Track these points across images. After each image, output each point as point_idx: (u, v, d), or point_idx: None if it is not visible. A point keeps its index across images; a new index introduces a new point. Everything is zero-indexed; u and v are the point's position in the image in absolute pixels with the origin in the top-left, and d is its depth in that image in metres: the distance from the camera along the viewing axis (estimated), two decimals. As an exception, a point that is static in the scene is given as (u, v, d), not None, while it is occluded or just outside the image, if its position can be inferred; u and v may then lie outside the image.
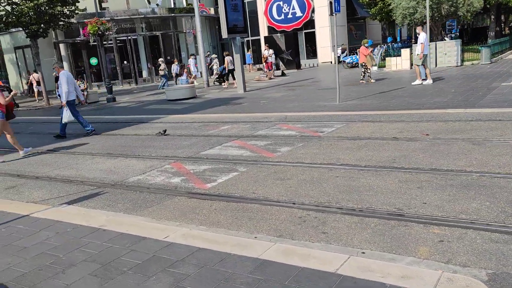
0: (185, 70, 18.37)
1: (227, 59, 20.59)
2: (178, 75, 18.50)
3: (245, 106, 12.68)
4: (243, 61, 33.23)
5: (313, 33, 30.75)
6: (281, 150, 6.65)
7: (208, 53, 27.28)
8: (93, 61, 28.45)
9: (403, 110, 8.97)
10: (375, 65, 15.98)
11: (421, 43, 13.44)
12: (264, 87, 18.42)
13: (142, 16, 28.57)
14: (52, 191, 5.79)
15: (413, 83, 13.65)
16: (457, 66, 18.18)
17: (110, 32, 19.18)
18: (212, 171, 5.91)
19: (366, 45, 15.56)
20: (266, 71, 23.01)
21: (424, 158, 5.40)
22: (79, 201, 5.21)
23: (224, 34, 16.83)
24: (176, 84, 21.17)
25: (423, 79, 13.50)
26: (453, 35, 35.04)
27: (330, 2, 10.84)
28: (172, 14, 29.61)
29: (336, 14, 11.03)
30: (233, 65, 20.39)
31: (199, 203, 4.67)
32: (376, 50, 20.49)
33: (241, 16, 17.55)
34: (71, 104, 10.38)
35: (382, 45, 25.67)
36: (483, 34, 36.52)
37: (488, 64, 17.79)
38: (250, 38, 33.79)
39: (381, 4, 26.91)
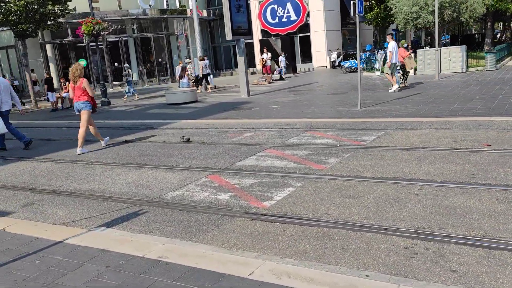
0: (187, 73, 17.65)
1: (201, 63, 20.34)
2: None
3: (257, 112, 12.04)
4: (235, 65, 32.68)
5: (308, 37, 30.36)
6: (329, 161, 6.04)
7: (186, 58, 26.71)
8: (82, 62, 27.36)
9: (439, 117, 8.48)
10: (412, 68, 15.10)
11: (390, 52, 13.54)
12: (267, 92, 17.83)
13: (134, 17, 27.69)
14: (79, 209, 5.04)
15: (389, 90, 13.67)
16: (462, 72, 17.95)
17: (106, 32, 18.29)
18: (261, 185, 5.26)
19: (404, 46, 14.84)
20: (265, 75, 22.45)
21: (508, 173, 4.87)
22: (118, 222, 4.48)
23: (228, 36, 16.18)
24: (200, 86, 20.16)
25: (393, 86, 13.62)
26: (443, 42, 35.23)
27: (354, 3, 10.35)
28: (164, 16, 28.79)
29: (358, 15, 10.54)
30: (208, 69, 20.59)
31: (268, 227, 4.01)
32: (379, 55, 20.14)
33: (245, 17, 16.95)
34: (4, 115, 9.33)
35: (382, 50, 25.43)
36: (473, 41, 36.87)
37: (494, 70, 17.61)
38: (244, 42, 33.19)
39: (378, 10, 26.72)
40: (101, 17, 26.39)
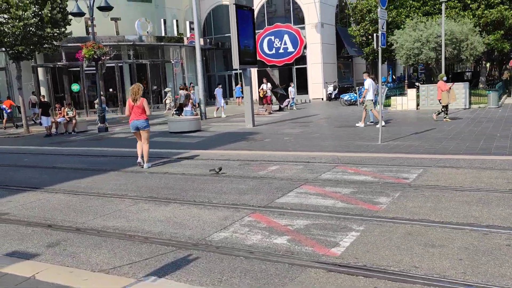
0: (191, 100, 17.25)
1: (181, 92, 20.37)
2: (183, 105, 17.26)
3: (270, 143, 11.61)
4: (230, 94, 32.46)
5: (305, 69, 30.49)
6: (381, 201, 5.59)
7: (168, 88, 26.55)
8: (75, 87, 26.81)
9: (473, 155, 8.18)
10: (451, 102, 14.84)
11: (365, 89, 14.17)
12: (270, 122, 17.51)
13: (130, 43, 27.37)
14: (116, 252, 4.43)
15: (377, 126, 13.44)
16: (465, 108, 18.00)
17: (107, 57, 17.83)
18: (318, 228, 4.75)
19: (444, 79, 14.68)
20: (265, 105, 22.18)
21: None
22: (169, 270, 3.89)
23: (236, 65, 15.90)
24: (175, 115, 19.85)
25: (359, 123, 14.20)
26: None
27: (376, 36, 10.19)
28: (161, 43, 28.56)
29: (380, 47, 10.37)
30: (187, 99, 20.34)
31: (354, 282, 3.49)
32: (382, 89, 20.12)
33: (252, 47, 16.76)
34: None
35: (385, 84, 25.59)
36: (462, 79, 37.62)
37: (497, 108, 17.70)
38: (238, 71, 33.17)
39: (374, 44, 27.01)
40: (98, 42, 26.03)
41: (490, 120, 13.90)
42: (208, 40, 32.99)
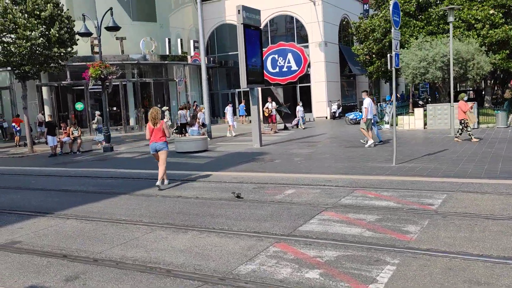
0: (198, 120, 17.09)
1: (180, 112, 21.07)
2: (188, 124, 17.16)
3: (281, 164, 11.42)
4: (233, 113, 32.31)
5: (308, 88, 30.50)
6: (410, 231, 5.37)
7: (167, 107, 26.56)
8: (79, 106, 26.72)
9: (495, 179, 7.98)
10: (475, 122, 14.63)
11: (365, 108, 14.14)
12: (277, 142, 17.34)
13: (134, 62, 27.41)
14: (139, 287, 4.20)
15: (366, 146, 14.03)
16: (474, 128, 17.83)
17: (114, 76, 17.77)
18: (349, 260, 4.53)
19: (465, 99, 14.48)
20: (270, 125, 22.05)
21: None
22: (199, 309, 3.66)
23: (243, 84, 15.81)
24: (180, 135, 19.91)
25: (366, 141, 14.26)
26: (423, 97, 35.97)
27: (390, 56, 10.10)
28: (165, 62, 28.61)
29: (394, 68, 10.28)
30: (186, 119, 21.12)
31: (401, 324, 3.26)
32: (387, 107, 20.06)
33: (259, 66, 16.72)
34: None
35: (390, 103, 25.53)
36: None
37: (506, 127, 17.56)
38: (242, 90, 33.20)
39: (379, 63, 27.08)
40: (104, 61, 26.05)
41: (503, 140, 13.74)
42: (211, 58, 33.08)
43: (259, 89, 31.49)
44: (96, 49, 25.88)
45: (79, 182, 10.62)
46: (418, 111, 19.36)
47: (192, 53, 30.03)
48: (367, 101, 14.28)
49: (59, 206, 7.96)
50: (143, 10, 28.32)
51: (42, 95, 27.34)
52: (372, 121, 14.38)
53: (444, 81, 20.21)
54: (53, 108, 27.02)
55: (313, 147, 14.96)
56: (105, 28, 17.46)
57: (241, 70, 15.83)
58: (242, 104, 30.28)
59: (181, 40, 29.47)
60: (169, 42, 28.45)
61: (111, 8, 17.36)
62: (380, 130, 17.22)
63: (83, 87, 26.95)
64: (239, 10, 15.47)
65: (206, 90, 21.02)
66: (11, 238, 6.12)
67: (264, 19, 31.46)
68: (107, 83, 17.83)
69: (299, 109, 24.03)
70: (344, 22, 33.47)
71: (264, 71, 31.21)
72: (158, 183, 9.00)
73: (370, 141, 14.07)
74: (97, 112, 22.78)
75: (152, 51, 27.46)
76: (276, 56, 30.91)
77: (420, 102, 32.72)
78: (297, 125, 23.44)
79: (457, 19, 23.22)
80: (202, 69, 21.08)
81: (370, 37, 26.83)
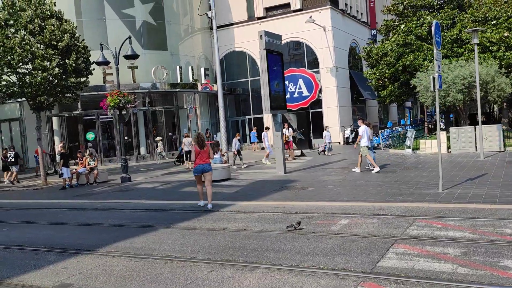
0: (220, 148, 16.72)
1: (185, 140, 21.20)
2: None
3: (316, 192, 10.95)
4: (244, 139, 31.97)
5: (320, 113, 30.26)
6: (509, 266, 4.87)
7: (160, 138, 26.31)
8: (90, 136, 26.39)
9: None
10: None
11: (359, 135, 14.49)
12: (300, 169, 16.89)
13: (146, 90, 27.24)
14: None
15: (353, 170, 14.55)
16: (500, 151, 17.46)
17: (132, 105, 17.48)
18: (460, 302, 4.03)
19: None
20: (288, 151, 21.64)
21: None
22: None
23: (267, 110, 15.55)
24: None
25: (355, 168, 14.50)
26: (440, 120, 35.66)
27: (433, 77, 9.77)
28: (176, 90, 28.44)
29: (438, 90, 9.95)
30: (191, 146, 20.33)
31: None
32: (409, 132, 19.72)
33: (281, 91, 16.46)
34: None
35: (411, 126, 25.29)
36: (474, 120, 37.39)
37: (532, 149, 17.19)
38: (252, 116, 33.01)
39: (392, 87, 26.96)
40: (111, 90, 25.87)
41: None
42: (221, 85, 32.95)
43: (268, 115, 31.43)
44: (108, 78, 25.91)
45: (109, 216, 10.11)
46: (442, 135, 18.97)
47: (203, 81, 29.93)
48: (362, 129, 14.59)
49: (98, 243, 7.44)
50: (154, 39, 28.37)
51: (53, 125, 27.03)
52: (369, 147, 14.53)
53: (465, 103, 19.94)
54: (64, 138, 26.62)
55: (341, 173, 14.50)
56: (124, 56, 17.27)
57: (264, 96, 15.57)
58: (254, 131, 29.96)
59: (191, 67, 29.40)
60: (180, 70, 28.36)
61: (130, 37, 17.22)
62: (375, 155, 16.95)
63: (94, 117, 26.69)
64: (261, 36, 15.32)
65: (223, 117, 20.73)
66: (60, 281, 5.59)
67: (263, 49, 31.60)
68: (125, 112, 17.49)
69: (326, 134, 22.99)
70: (352, 48, 33.60)
71: (275, 98, 31.33)
72: (202, 203, 9.91)
73: (377, 168, 14.15)
74: (89, 144, 22.39)
75: (164, 79, 27.32)
76: (287, 82, 30.72)
77: (430, 125, 32.49)
78: (324, 151, 22.46)
79: (471, 42, 23.20)
80: (219, 96, 20.89)
81: (382, 62, 26.79)
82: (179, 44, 29.91)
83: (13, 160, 20.57)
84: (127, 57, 17.25)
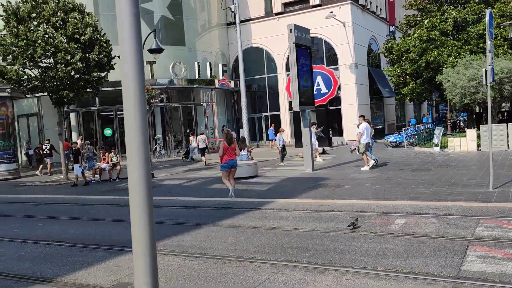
0: (246, 144, 16.34)
1: (199, 138, 21.74)
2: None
3: (355, 190, 10.56)
4: (260, 137, 31.63)
5: (338, 110, 29.81)
6: None
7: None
8: (107, 132, 26.16)
9: None
10: None
11: (360, 133, 14.72)
12: (327, 166, 16.48)
13: (164, 86, 26.93)
14: None
15: (362, 169, 14.44)
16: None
17: (156, 100, 17.18)
18: None
19: None
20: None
21: None
22: None
23: (296, 107, 15.15)
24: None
25: (364, 167, 14.44)
26: (462, 119, 35.05)
27: (485, 70, 9.34)
28: (193, 86, 28.13)
29: (489, 84, 9.51)
30: (205, 143, 21.91)
31: None
32: (437, 130, 19.23)
33: (310, 87, 16.08)
34: None
35: (437, 124, 24.74)
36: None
37: None
38: (269, 114, 32.62)
39: (413, 84, 26.43)
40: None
41: None
42: (238, 82, 32.64)
43: (288, 113, 31.11)
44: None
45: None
46: (471, 132, 18.50)
47: (221, 77, 29.61)
48: (363, 126, 14.70)
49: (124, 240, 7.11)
50: (172, 34, 28.06)
51: (70, 121, 26.84)
52: (370, 144, 14.75)
53: (495, 100, 19.41)
54: (81, 134, 26.40)
55: (374, 172, 14.07)
56: (148, 50, 16.96)
57: (293, 92, 15.19)
58: (271, 128, 29.57)
59: (210, 64, 29.07)
60: (198, 66, 28.03)
61: (154, 30, 16.92)
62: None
63: (111, 113, 26.47)
64: (290, 29, 14.94)
65: (245, 113, 20.39)
66: (116, 279, 5.28)
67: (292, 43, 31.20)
68: (148, 107, 17.18)
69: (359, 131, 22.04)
70: (369, 44, 33.08)
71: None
72: (230, 193, 10.28)
73: (371, 162, 14.38)
74: (87, 142, 21.91)
75: (182, 75, 27.02)
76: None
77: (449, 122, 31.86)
78: (355, 149, 20.65)
79: (498, 38, 22.64)
80: (242, 92, 20.54)
81: (404, 58, 26.27)
82: (196, 40, 29.58)
83: (48, 152, 20.65)
84: (151, 51, 16.93)
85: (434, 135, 19.20)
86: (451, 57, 23.66)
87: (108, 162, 17.31)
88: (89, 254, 6.50)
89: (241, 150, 16.46)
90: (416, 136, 23.08)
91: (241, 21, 32.20)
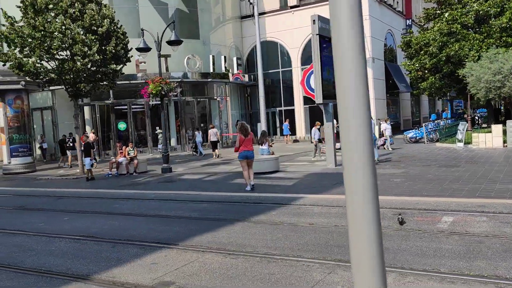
0: (267, 138, 15.95)
1: (210, 131, 22.13)
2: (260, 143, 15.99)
3: (384, 186, 10.17)
4: (274, 132, 31.32)
5: (354, 105, 29.27)
6: None
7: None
8: (121, 125, 25.96)
9: None
10: None
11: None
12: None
13: (178, 80, 26.60)
14: None
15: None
16: None
17: (175, 93, 16.87)
18: None
19: None
20: (329, 144, 20.79)
21: None
22: None
23: (319, 99, 14.74)
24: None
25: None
26: (479, 115, 34.35)
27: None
28: (209, 80, 27.78)
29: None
30: (216, 137, 22.13)
31: None
32: (461, 125, 18.73)
33: (333, 79, 15.62)
34: None
35: (456, 119, 24.20)
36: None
37: None
38: (283, 108, 32.22)
39: (432, 79, 25.88)
40: (145, 79, 25.28)
41: None
42: (252, 76, 32.28)
43: (303, 107, 30.70)
44: (142, 67, 25.35)
45: (170, 207, 9.50)
46: (497, 128, 17.97)
47: (235, 71, 29.24)
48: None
49: (175, 236, 6.82)
50: (186, 27, 27.70)
51: (84, 114, 26.63)
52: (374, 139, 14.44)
53: (521, 95, 18.88)
54: (95, 127, 26.21)
55: (398, 167, 13.65)
56: (167, 42, 16.63)
57: (316, 85, 14.81)
58: (286, 123, 29.18)
59: (224, 57, 28.70)
60: (213, 59, 27.68)
61: (173, 22, 16.59)
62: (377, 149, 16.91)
63: (125, 107, 26.23)
64: (314, 20, 14.55)
65: (263, 108, 19.98)
66: (157, 278, 4.96)
67: (307, 36, 30.70)
68: (167, 100, 16.89)
69: (387, 127, 20.24)
70: (387, 38, 32.50)
71: (307, 89, 30.39)
72: (248, 187, 10.60)
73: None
74: (86, 133, 21.51)
75: (197, 68, 26.68)
76: (320, 73, 29.86)
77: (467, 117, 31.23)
78: (383, 145, 19.58)
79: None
80: (260, 86, 20.14)
81: (422, 52, 25.73)
82: (210, 33, 29.22)
83: (71, 145, 20.65)
84: (170, 42, 16.59)
85: (458, 131, 18.69)
86: (473, 51, 23.11)
87: (125, 156, 17.05)
88: (122, 250, 6.20)
89: (262, 144, 16.16)
90: (438, 132, 22.56)
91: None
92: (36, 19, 16.23)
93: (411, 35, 27.70)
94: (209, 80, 27.81)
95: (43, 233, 7.49)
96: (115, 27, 18.06)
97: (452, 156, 15.72)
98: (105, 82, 18.79)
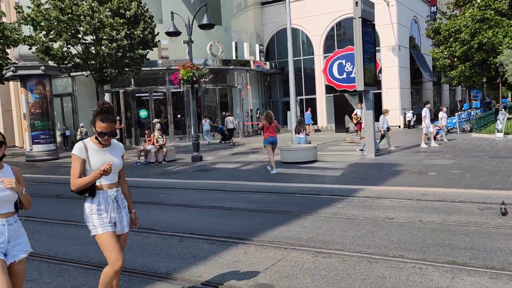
0: (304, 127, 15.32)
1: (227, 119, 22.79)
2: (297, 131, 15.37)
3: (443, 177, 9.61)
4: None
5: (379, 95, 28.53)
6: None
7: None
8: (143, 113, 25.42)
9: None
10: None
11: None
12: (385, 152, 15.40)
13: (200, 67, 25.89)
14: None
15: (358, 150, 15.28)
16: None
17: (206, 79, 16.27)
18: None
19: None
20: (359, 133, 20.19)
21: None
22: None
23: (360, 87, 14.05)
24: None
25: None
26: (503, 105, 33.43)
27: None
28: (230, 67, 27.09)
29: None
30: (233, 124, 22.73)
31: None
32: (501, 115, 17.97)
33: (374, 67, 14.97)
34: None
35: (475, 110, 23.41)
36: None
37: None
38: (304, 97, 31.51)
39: (462, 67, 25.06)
40: (167, 66, 24.67)
41: None
42: (273, 64, 31.55)
43: (322, 96, 29.98)
44: (163, 53, 24.73)
45: (220, 198, 8.95)
46: (539, 118, 17.23)
47: (258, 58, 28.54)
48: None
49: (244, 230, 6.26)
50: (209, 13, 26.85)
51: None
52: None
53: None
54: (116, 115, 25.65)
55: (443, 157, 13.01)
56: (199, 26, 16.00)
57: (357, 71, 14.10)
58: (308, 112, 28.48)
59: (248, 44, 27.96)
60: (236, 46, 26.97)
61: (205, 4, 15.91)
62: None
63: (147, 94, 25.66)
64: (356, 2, 13.77)
65: (293, 95, 19.23)
66: (253, 279, 4.40)
67: (330, 23, 29.92)
68: (197, 87, 16.30)
69: (443, 115, 18.28)
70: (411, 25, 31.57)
71: (330, 77, 29.73)
72: (274, 171, 11.62)
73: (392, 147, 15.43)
74: (81, 124, 20.73)
75: (220, 55, 26.01)
76: (343, 61, 29.12)
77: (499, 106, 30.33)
78: (435, 136, 17.17)
79: None
80: (290, 73, 19.33)
81: (452, 39, 24.88)
82: (231, 20, 28.47)
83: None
84: (202, 26, 15.95)
85: (498, 120, 17.95)
86: (507, 37, 22.25)
87: (153, 144, 16.52)
88: (192, 245, 5.66)
89: (298, 133, 15.58)
90: (472, 122, 21.77)
91: (275, 0, 31.14)
92: (63, 0, 15.65)
93: (440, 21, 26.79)
94: (230, 67, 27.15)
95: (97, 225, 6.97)
96: (142, 10, 17.44)
97: (496, 147, 15.04)
98: (131, 68, 18.25)
